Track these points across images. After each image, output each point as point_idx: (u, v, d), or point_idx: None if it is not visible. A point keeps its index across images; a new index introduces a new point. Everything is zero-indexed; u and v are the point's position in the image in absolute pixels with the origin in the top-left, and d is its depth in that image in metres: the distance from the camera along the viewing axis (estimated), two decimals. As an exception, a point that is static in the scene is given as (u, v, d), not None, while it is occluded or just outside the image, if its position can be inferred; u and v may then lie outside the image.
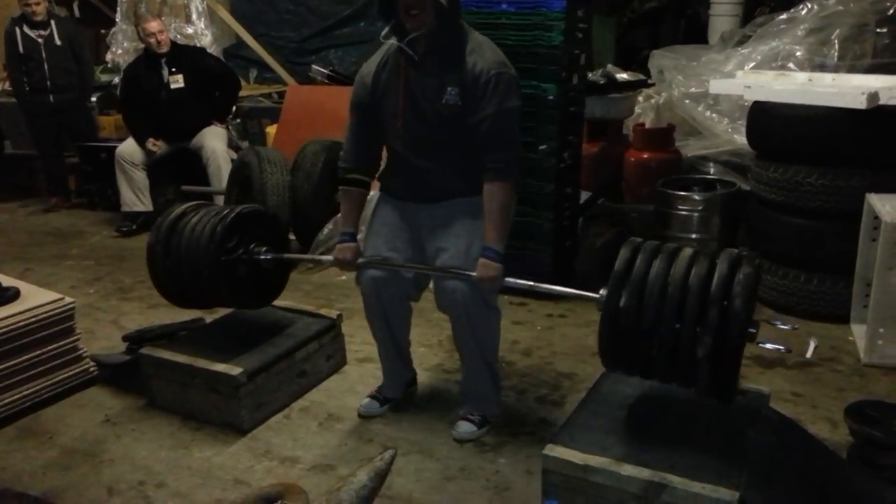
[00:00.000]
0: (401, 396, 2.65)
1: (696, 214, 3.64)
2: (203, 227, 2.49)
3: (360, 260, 2.38)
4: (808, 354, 2.93)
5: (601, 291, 1.92)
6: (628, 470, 1.81)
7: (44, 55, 5.18)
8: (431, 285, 2.42)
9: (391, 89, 2.28)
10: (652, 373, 1.89)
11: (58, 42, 5.23)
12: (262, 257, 2.59)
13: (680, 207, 3.67)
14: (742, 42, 4.45)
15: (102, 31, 6.76)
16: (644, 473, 1.79)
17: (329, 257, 2.49)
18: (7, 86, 5.61)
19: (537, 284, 2.24)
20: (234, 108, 5.44)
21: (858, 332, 3.02)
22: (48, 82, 5.23)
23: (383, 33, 2.28)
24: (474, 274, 2.18)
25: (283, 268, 2.73)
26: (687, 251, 1.86)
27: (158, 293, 2.67)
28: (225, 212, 2.56)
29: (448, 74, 2.21)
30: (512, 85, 2.21)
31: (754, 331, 1.79)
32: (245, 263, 2.56)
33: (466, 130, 2.22)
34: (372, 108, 2.33)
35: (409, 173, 2.35)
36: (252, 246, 2.58)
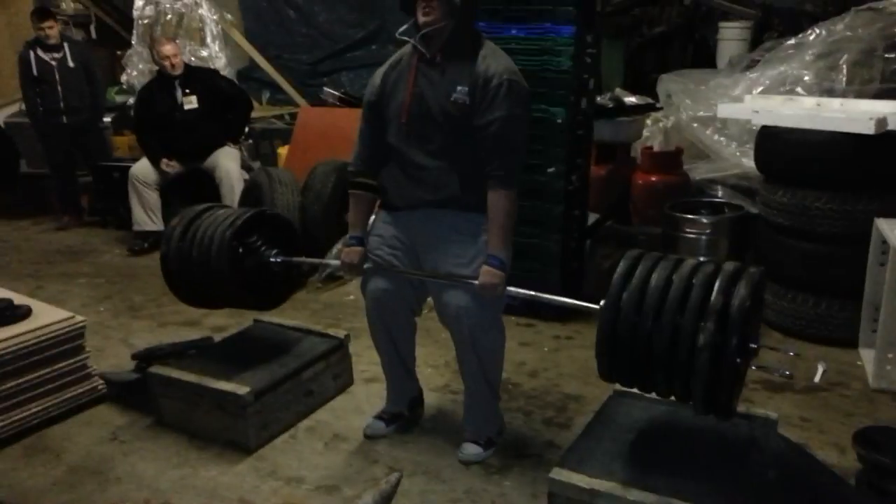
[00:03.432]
0: (407, 411, 2.64)
1: (703, 238, 3.65)
2: (216, 228, 2.55)
3: (366, 265, 2.40)
4: (817, 379, 2.91)
5: (601, 303, 1.91)
6: (634, 495, 1.81)
7: (57, 77, 5.28)
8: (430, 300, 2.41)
9: (400, 86, 2.30)
10: (649, 384, 1.87)
11: (71, 64, 5.34)
12: (273, 259, 2.63)
13: (688, 230, 3.67)
14: (750, 67, 4.47)
15: (118, 52, 6.88)
16: (650, 499, 1.79)
17: (337, 262, 2.54)
18: (23, 107, 5.72)
19: (538, 294, 2.24)
20: (246, 129, 5.50)
21: (867, 356, 3.00)
22: (62, 104, 5.33)
23: (400, 30, 2.30)
24: (476, 282, 2.19)
25: (291, 272, 2.78)
26: (689, 261, 1.85)
27: (169, 289, 2.73)
28: (238, 213, 2.63)
29: (459, 73, 2.22)
30: (522, 95, 2.23)
31: (755, 346, 1.78)
32: (255, 265, 2.61)
33: (470, 133, 2.22)
34: (380, 107, 2.34)
35: (407, 173, 2.33)
36: (262, 248, 2.63)
